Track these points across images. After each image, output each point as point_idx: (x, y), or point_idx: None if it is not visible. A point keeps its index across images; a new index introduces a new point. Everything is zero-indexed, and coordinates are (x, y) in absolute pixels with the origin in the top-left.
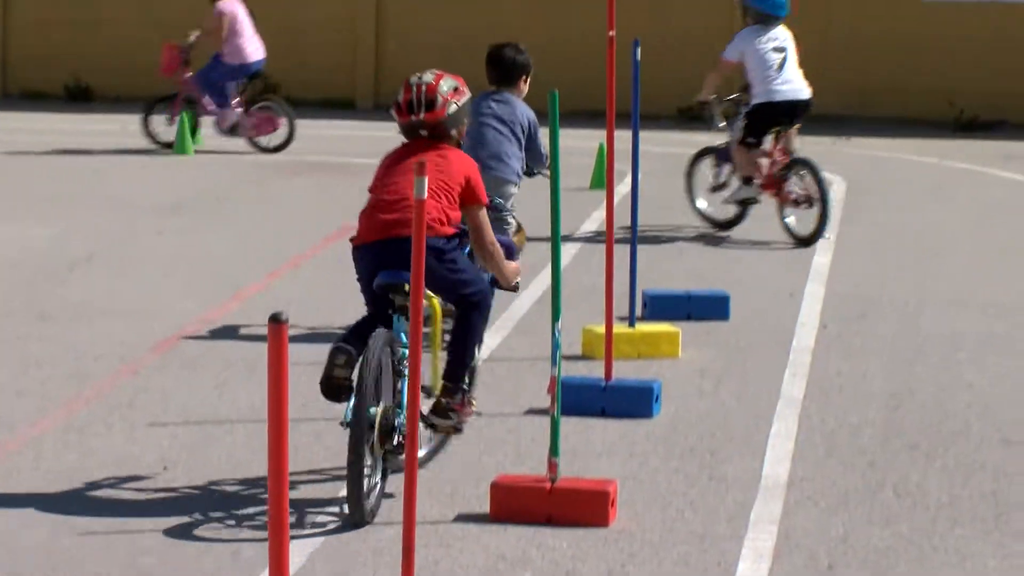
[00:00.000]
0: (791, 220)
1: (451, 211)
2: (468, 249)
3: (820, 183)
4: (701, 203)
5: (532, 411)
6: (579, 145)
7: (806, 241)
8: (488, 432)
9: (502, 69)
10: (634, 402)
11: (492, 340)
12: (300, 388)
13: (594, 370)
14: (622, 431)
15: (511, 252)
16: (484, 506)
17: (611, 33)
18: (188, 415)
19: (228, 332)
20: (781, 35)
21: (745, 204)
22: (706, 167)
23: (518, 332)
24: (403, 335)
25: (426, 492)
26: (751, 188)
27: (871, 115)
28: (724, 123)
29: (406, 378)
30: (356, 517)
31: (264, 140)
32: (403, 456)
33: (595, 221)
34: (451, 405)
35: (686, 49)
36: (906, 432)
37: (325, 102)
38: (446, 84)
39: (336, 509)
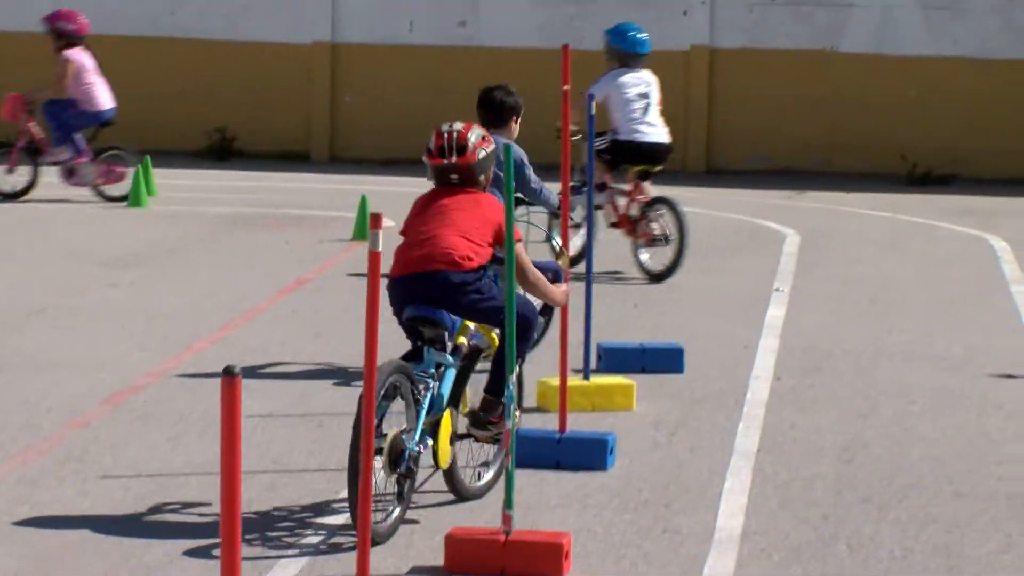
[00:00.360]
0: (644, 257)
1: (480, 250)
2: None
3: (681, 221)
4: (559, 239)
5: (488, 463)
6: None
7: (659, 277)
8: (443, 484)
9: (492, 111)
10: (588, 455)
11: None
12: (254, 440)
13: (548, 422)
14: (576, 483)
15: (558, 276)
16: (438, 559)
17: (566, 87)
18: (140, 468)
19: (181, 385)
20: (646, 79)
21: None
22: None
23: (472, 385)
24: (431, 367)
25: (380, 544)
26: (601, 196)
27: (826, 169)
28: (580, 138)
29: (423, 407)
30: (375, 540)
31: (110, 189)
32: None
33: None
34: (488, 418)
35: None
36: (859, 485)
37: (281, 155)
38: (474, 133)
39: (289, 562)
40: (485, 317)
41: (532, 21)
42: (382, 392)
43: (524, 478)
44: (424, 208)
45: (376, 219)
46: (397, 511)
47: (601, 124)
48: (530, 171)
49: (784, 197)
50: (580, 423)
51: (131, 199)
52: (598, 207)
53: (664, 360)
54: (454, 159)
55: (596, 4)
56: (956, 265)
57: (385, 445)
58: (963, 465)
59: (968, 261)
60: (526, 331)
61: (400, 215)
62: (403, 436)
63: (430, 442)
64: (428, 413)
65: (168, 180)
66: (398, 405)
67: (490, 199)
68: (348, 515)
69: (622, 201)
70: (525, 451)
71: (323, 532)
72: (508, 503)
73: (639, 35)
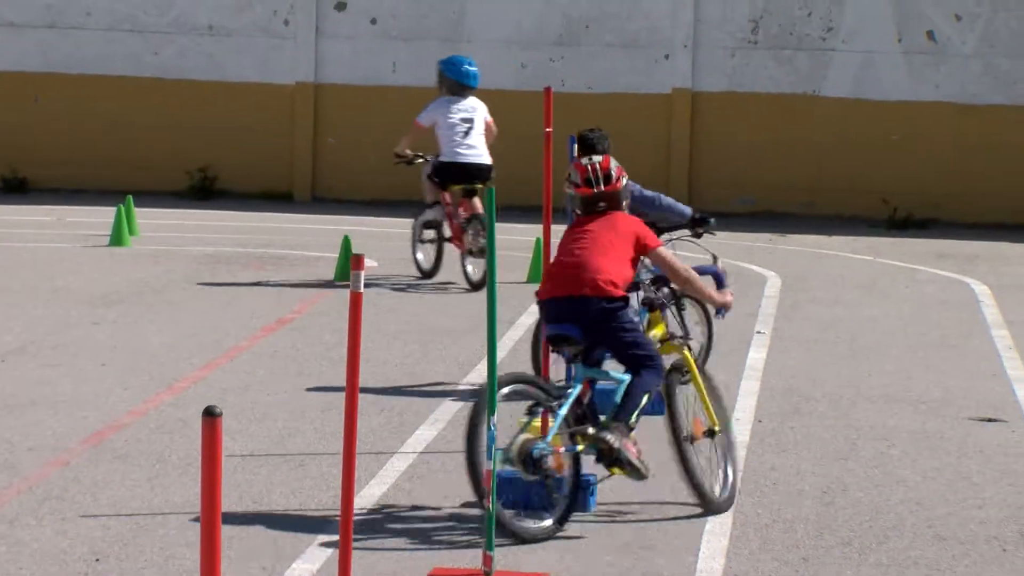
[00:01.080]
0: (469, 268)
1: (624, 271)
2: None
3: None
4: (419, 255)
5: (468, 504)
6: (516, 239)
7: (476, 286)
8: (424, 525)
9: (592, 149)
10: None
11: (428, 433)
12: (234, 480)
13: None
14: None
15: (721, 280)
16: None
17: (548, 130)
18: (120, 507)
19: (163, 424)
20: (472, 105)
21: (435, 229)
22: (415, 221)
23: (453, 425)
24: (579, 380)
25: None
26: (435, 211)
27: (808, 212)
28: (420, 161)
29: (559, 413)
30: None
31: None
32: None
33: (532, 314)
34: (606, 437)
35: (622, 147)
36: (840, 528)
37: (264, 195)
38: (614, 163)
39: None
40: (617, 349)
41: (514, 63)
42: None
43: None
44: (572, 235)
45: (358, 260)
46: (548, 521)
47: (433, 148)
48: (649, 192)
49: (765, 240)
50: None
51: (113, 238)
52: (438, 223)
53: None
54: (603, 187)
55: (578, 47)
56: (936, 309)
57: (514, 450)
58: (943, 508)
59: (948, 305)
60: (657, 372)
61: (383, 255)
62: (533, 442)
63: (579, 448)
64: (571, 422)
65: (150, 220)
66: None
67: (624, 216)
68: (327, 557)
69: (454, 215)
70: (506, 491)
71: (304, 573)
72: (489, 544)
73: (470, 68)
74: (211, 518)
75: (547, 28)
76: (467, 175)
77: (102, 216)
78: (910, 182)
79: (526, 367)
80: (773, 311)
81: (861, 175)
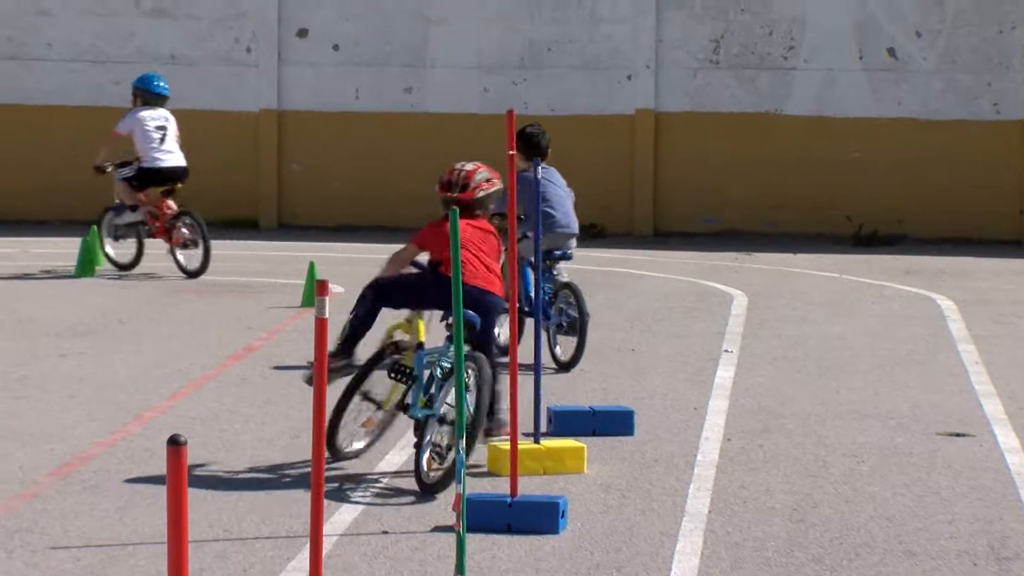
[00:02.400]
0: (181, 258)
1: (495, 266)
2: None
3: (201, 228)
4: (109, 249)
5: (438, 528)
6: None
7: (195, 274)
8: (394, 550)
9: (534, 143)
10: (540, 518)
11: (398, 457)
12: (204, 508)
13: (499, 486)
14: (528, 547)
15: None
16: None
17: (511, 152)
18: (90, 538)
19: (131, 454)
20: (164, 115)
21: (135, 228)
22: (109, 219)
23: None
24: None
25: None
26: (137, 213)
27: (773, 231)
28: (111, 169)
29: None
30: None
31: None
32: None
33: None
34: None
35: (586, 169)
36: (810, 545)
37: (229, 222)
38: (480, 175)
39: None
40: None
41: (477, 86)
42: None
43: (476, 542)
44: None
45: (323, 286)
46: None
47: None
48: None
49: (731, 259)
50: (531, 487)
51: (78, 269)
52: (142, 223)
53: (614, 423)
54: (455, 194)
55: (540, 70)
56: (903, 325)
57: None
58: (914, 523)
59: (915, 320)
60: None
61: (348, 281)
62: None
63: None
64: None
65: (116, 250)
66: None
67: (484, 222)
68: None
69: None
70: (476, 515)
71: None
72: (460, 568)
73: (160, 83)
74: (178, 547)
75: (509, 52)
76: (167, 177)
77: (67, 247)
78: (874, 199)
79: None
80: (740, 329)
81: (825, 192)
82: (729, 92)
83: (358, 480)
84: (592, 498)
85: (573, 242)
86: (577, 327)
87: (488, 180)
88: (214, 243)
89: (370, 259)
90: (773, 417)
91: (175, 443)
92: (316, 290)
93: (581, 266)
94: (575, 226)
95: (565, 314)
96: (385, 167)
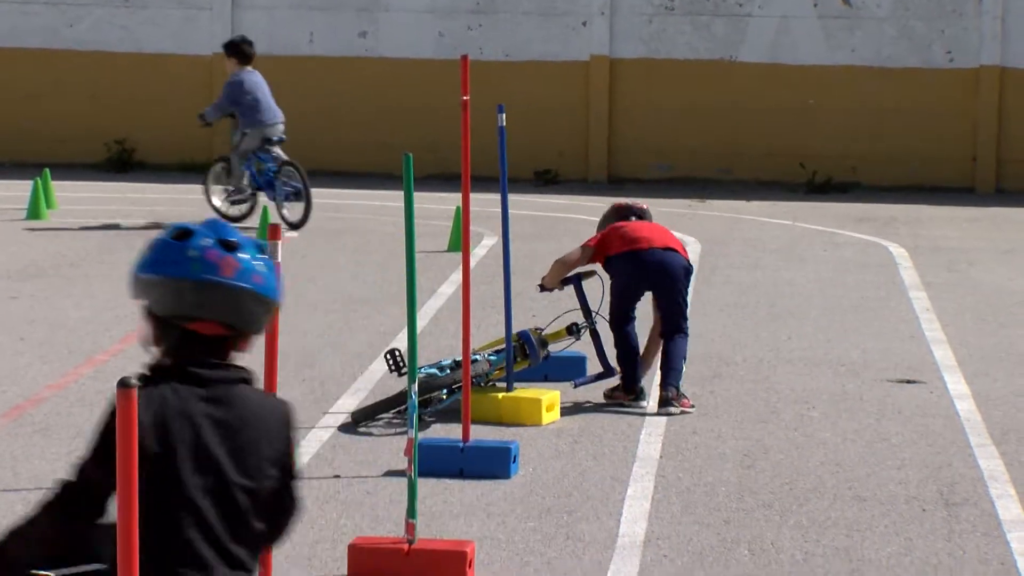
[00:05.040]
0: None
1: None
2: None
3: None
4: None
5: (390, 473)
6: (435, 208)
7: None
8: (346, 494)
9: (243, 54)
10: (492, 463)
11: (350, 402)
12: None
13: (452, 432)
14: (480, 492)
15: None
16: (342, 568)
17: (465, 98)
18: (41, 481)
19: (82, 397)
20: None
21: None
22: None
23: (375, 395)
24: None
25: (283, 554)
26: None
27: (726, 178)
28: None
29: None
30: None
31: None
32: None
33: (452, 283)
34: None
35: (541, 115)
36: (761, 490)
37: (182, 166)
38: None
39: None
40: None
41: (431, 32)
42: None
43: (428, 487)
44: None
45: (275, 230)
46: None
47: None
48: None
49: (685, 206)
50: (483, 432)
51: (30, 212)
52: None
53: (567, 368)
54: None
55: (495, 15)
56: (855, 272)
57: None
58: (863, 469)
59: (867, 268)
60: None
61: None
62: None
63: None
64: None
65: (68, 193)
66: None
67: None
68: None
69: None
70: (428, 460)
71: None
72: (411, 512)
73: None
74: (127, 491)
75: None
76: None
77: (19, 190)
78: (827, 146)
79: (447, 336)
80: (693, 276)
81: (779, 140)
82: (684, 39)
83: (310, 425)
84: (544, 443)
85: (281, 127)
86: (303, 195)
87: None
88: (165, 188)
89: (322, 203)
90: (724, 363)
91: (125, 385)
92: (268, 234)
93: (534, 212)
94: (281, 115)
95: (289, 185)
96: (339, 112)
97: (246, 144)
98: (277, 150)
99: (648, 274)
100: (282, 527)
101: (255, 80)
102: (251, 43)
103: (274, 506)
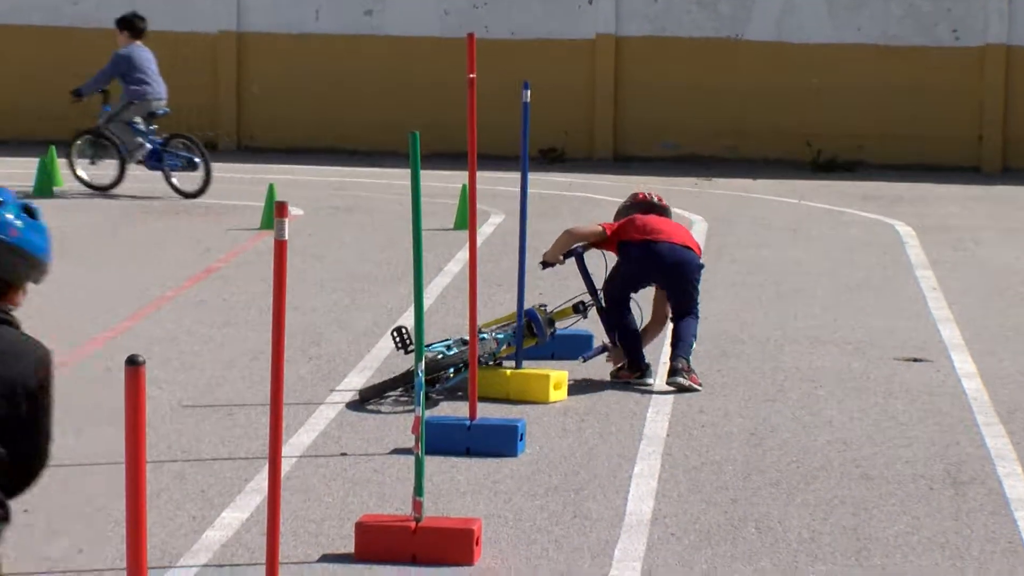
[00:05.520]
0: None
1: None
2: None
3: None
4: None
5: (397, 451)
6: (441, 187)
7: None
8: (353, 472)
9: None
10: (499, 441)
11: (357, 380)
12: (163, 430)
13: (459, 410)
14: (487, 470)
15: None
16: (349, 546)
17: (471, 76)
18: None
19: (89, 375)
20: None
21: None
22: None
23: (381, 373)
24: None
25: (291, 532)
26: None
27: (732, 156)
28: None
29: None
30: None
31: None
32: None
33: (459, 262)
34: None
35: (547, 93)
36: (768, 469)
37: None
38: None
39: (199, 550)
40: None
41: (437, 9)
42: None
43: (434, 465)
44: None
45: (282, 207)
46: None
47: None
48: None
49: (691, 184)
50: (489, 410)
51: (36, 189)
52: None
53: (574, 346)
54: None
55: None
56: (861, 250)
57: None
58: (870, 448)
59: (873, 246)
60: None
61: (307, 203)
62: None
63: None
64: None
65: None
66: None
67: None
68: (256, 505)
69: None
70: (435, 438)
71: (234, 521)
72: (418, 490)
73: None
74: (136, 467)
75: None
76: None
77: (24, 167)
78: (833, 125)
79: (453, 314)
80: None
81: (785, 118)
82: (690, 17)
83: (317, 402)
84: (551, 421)
85: (164, 102)
86: (200, 166)
87: None
88: None
89: (328, 181)
90: (731, 342)
91: (133, 363)
92: (275, 212)
93: (541, 190)
94: (165, 90)
95: (179, 156)
96: (345, 89)
97: (128, 114)
98: (154, 126)
99: (662, 268)
100: (22, 460)
101: (144, 55)
102: (143, 18)
103: (12, 434)
